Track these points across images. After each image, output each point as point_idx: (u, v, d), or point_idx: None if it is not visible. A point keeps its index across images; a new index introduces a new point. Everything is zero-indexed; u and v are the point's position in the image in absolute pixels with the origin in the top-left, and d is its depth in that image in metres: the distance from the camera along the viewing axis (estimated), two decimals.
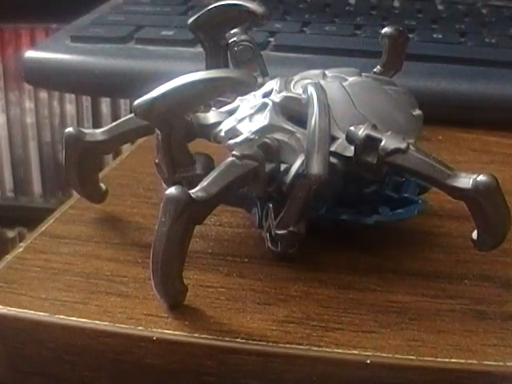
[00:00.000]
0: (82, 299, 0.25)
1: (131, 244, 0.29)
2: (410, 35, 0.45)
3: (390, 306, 0.25)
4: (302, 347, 0.23)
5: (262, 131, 0.26)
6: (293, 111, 0.27)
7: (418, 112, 0.29)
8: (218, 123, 0.28)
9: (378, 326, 0.24)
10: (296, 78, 0.29)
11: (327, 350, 0.23)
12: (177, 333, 0.24)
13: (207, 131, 0.28)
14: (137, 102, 0.25)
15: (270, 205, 0.27)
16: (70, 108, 0.98)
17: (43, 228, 0.30)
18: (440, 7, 0.52)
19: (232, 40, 0.30)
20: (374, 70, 0.31)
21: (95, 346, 0.24)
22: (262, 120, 0.27)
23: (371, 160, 0.26)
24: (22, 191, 1.03)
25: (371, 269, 0.27)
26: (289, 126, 0.27)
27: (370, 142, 0.25)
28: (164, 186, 0.27)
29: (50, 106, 0.98)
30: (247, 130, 0.27)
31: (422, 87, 0.39)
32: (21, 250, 0.28)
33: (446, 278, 0.27)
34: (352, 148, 0.26)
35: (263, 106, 0.27)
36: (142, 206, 0.31)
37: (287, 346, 0.23)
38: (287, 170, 0.26)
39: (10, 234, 1.03)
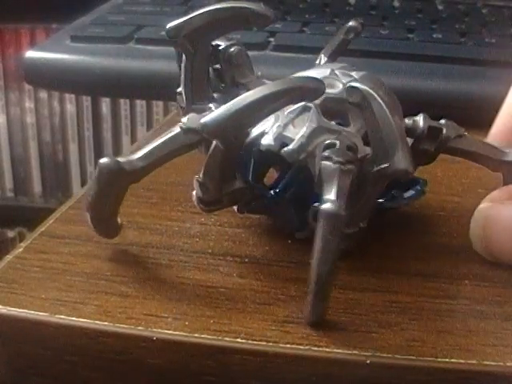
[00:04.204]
0: (82, 299, 0.25)
1: (131, 244, 0.29)
2: (410, 35, 0.45)
3: (390, 306, 0.25)
4: (301, 347, 0.23)
5: (313, 134, 0.26)
6: (332, 112, 0.27)
7: None
8: (262, 134, 0.27)
9: (377, 326, 0.24)
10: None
11: (327, 350, 0.23)
12: (177, 333, 0.24)
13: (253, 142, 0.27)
14: (203, 120, 0.25)
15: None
16: (70, 108, 0.98)
17: (43, 228, 0.30)
18: (440, 7, 0.52)
19: (217, 43, 0.30)
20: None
21: (95, 346, 0.24)
22: (309, 124, 0.26)
23: (429, 148, 0.28)
24: (22, 191, 1.02)
25: (371, 269, 0.27)
26: (335, 127, 0.27)
27: (432, 132, 0.28)
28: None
29: (50, 106, 0.98)
30: (297, 135, 0.26)
31: (422, 87, 0.39)
32: (21, 250, 0.28)
33: (446, 278, 0.27)
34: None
35: (304, 110, 0.27)
36: (141, 206, 0.31)
37: (287, 346, 0.23)
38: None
39: (10, 234, 1.03)
